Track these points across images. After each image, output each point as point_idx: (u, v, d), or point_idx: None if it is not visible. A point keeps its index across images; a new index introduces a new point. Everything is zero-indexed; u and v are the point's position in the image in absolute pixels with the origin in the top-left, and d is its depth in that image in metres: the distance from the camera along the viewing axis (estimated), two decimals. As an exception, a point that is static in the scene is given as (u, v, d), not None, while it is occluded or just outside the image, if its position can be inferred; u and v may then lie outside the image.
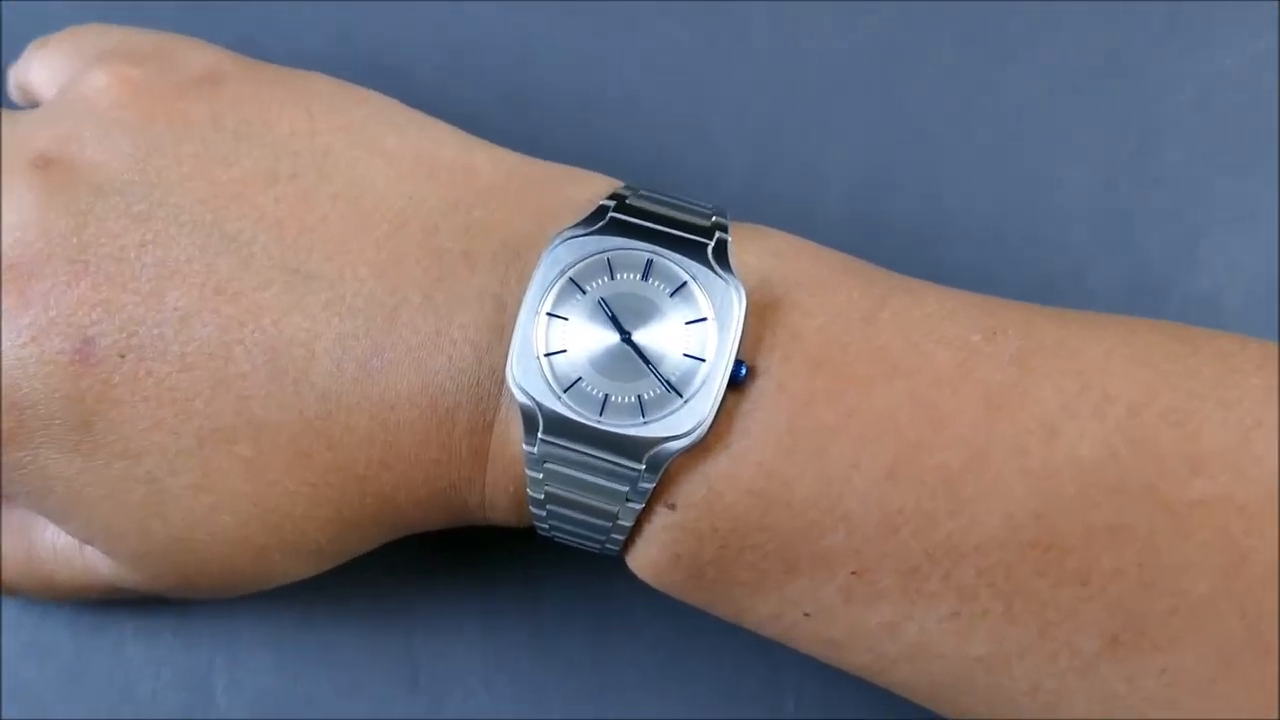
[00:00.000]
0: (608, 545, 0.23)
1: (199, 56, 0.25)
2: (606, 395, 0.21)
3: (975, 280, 0.25)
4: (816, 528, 0.21)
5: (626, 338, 0.21)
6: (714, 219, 0.22)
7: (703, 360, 0.21)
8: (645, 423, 0.21)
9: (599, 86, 0.31)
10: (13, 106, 0.28)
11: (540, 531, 0.24)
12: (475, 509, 0.24)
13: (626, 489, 0.21)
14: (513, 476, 0.23)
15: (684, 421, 0.21)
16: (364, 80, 0.26)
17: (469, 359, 0.22)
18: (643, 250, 0.22)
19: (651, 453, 0.21)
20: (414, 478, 0.23)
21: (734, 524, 0.21)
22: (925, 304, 0.22)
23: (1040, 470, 0.20)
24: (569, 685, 0.28)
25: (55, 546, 0.25)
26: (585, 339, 0.21)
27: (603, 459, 0.21)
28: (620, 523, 0.22)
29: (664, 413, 0.21)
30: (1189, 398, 0.20)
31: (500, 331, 0.22)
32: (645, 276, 0.22)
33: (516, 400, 0.21)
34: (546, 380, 0.21)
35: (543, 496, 0.22)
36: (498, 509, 0.24)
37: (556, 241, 0.22)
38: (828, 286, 0.22)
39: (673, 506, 0.22)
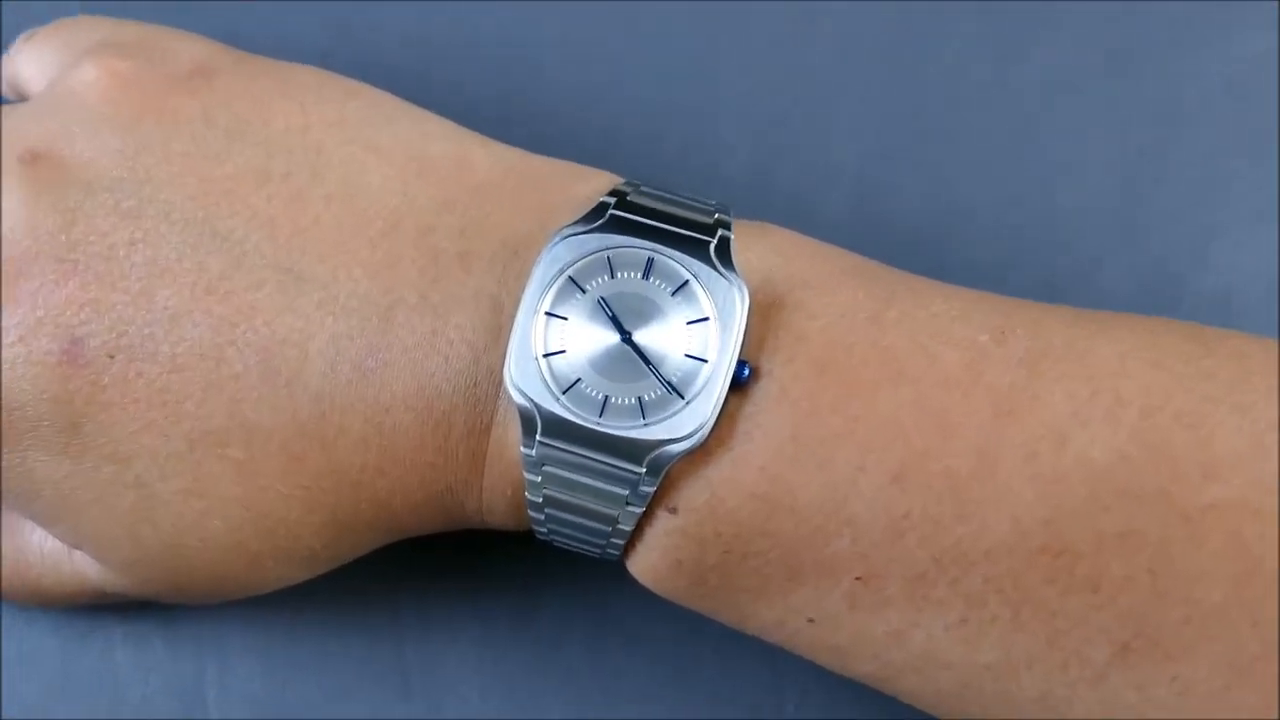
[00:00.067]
0: (608, 550, 0.23)
1: (189, 49, 0.25)
2: (606, 397, 0.21)
3: (982, 279, 0.25)
4: (821, 533, 0.21)
5: (627, 338, 0.21)
6: (716, 216, 0.22)
7: (705, 361, 0.21)
8: (646, 425, 0.21)
9: (601, 82, 0.31)
10: (3, 101, 0.27)
11: (539, 535, 0.23)
12: (473, 513, 0.23)
13: (627, 492, 0.21)
14: (511, 480, 0.22)
15: (685, 424, 0.21)
16: (360, 76, 0.26)
17: (466, 360, 0.22)
18: (644, 248, 0.21)
19: (652, 455, 0.21)
20: (410, 482, 0.23)
21: (737, 529, 0.21)
22: (932, 304, 0.22)
23: (1050, 475, 0.20)
24: (567, 692, 0.28)
25: (43, 551, 0.25)
26: (585, 339, 0.21)
27: (602, 461, 0.21)
28: (620, 527, 0.22)
29: (665, 414, 0.21)
30: (1203, 400, 0.20)
31: (498, 332, 0.22)
32: (646, 275, 0.21)
33: (514, 402, 0.21)
34: (545, 381, 0.21)
35: (541, 500, 0.22)
36: (496, 513, 0.23)
37: (556, 239, 0.21)
38: (832, 286, 0.22)
39: (674, 510, 0.21)
